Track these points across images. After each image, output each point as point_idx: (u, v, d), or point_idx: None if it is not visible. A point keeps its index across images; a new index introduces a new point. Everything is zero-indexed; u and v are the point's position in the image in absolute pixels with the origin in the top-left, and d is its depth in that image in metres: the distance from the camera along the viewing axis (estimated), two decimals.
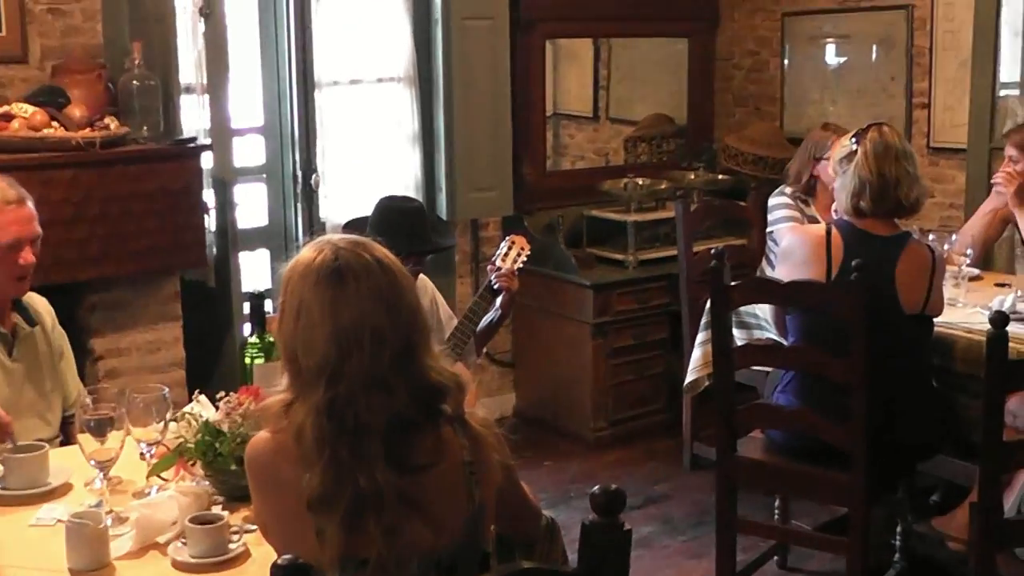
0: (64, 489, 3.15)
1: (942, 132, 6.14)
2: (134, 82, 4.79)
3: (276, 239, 5.97)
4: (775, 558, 4.87)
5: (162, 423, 3.00)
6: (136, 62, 4.81)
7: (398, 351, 2.22)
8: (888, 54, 6.36)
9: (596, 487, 2.12)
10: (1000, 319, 3.30)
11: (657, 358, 6.35)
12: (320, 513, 2.20)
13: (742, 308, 4.95)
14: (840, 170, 4.23)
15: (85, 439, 2.96)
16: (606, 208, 6.50)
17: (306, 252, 2.33)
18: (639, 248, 6.31)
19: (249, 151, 5.88)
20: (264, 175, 5.92)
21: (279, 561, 1.90)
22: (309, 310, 2.24)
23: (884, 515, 4.68)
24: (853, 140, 4.21)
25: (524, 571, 2.08)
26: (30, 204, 3.61)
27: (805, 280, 4.13)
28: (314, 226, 5.77)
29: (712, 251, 4.34)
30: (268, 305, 5.74)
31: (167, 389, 3.14)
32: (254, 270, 5.87)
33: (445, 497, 2.29)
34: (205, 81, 5.25)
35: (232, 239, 5.41)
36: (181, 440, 3.01)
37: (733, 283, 4.25)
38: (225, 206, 5.40)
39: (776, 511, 4.90)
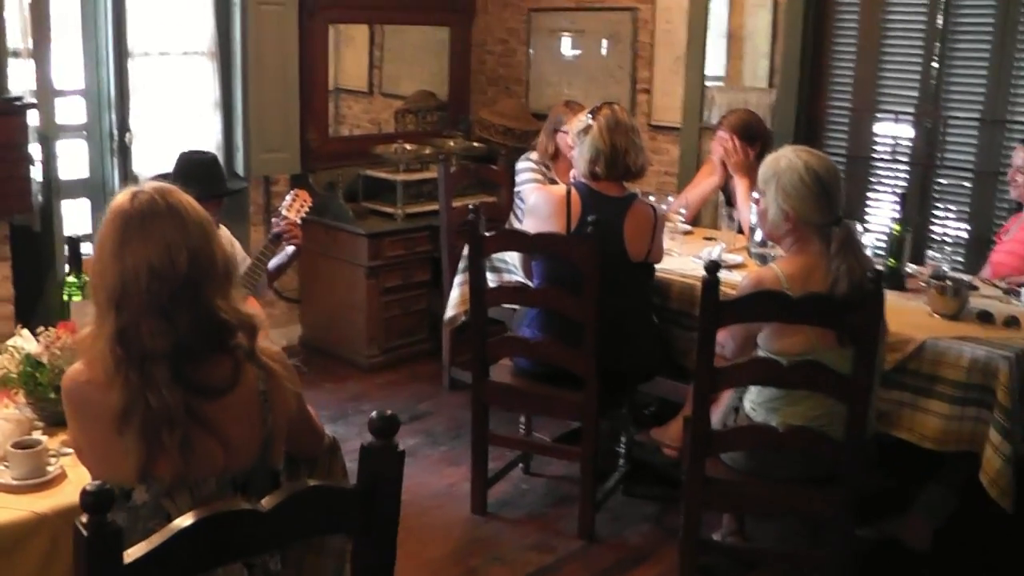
0: None
1: (660, 113, 6.17)
2: None
3: (96, 190, 5.68)
4: (520, 465, 4.83)
5: None
6: None
7: (178, 287, 2.08)
8: (616, 47, 6.34)
9: (374, 412, 1.99)
10: (713, 267, 3.29)
11: (421, 296, 6.23)
12: (121, 429, 2.05)
13: (494, 255, 4.89)
14: (578, 140, 4.19)
15: None
16: (379, 169, 6.32)
17: (117, 197, 2.19)
18: (406, 203, 6.16)
19: (72, 111, 5.55)
20: (85, 133, 5.60)
21: (87, 487, 1.69)
22: (103, 247, 2.12)
23: (611, 427, 4.70)
24: (589, 115, 4.18)
25: (311, 488, 1.92)
26: None
27: (549, 232, 4.08)
28: (128, 179, 5.50)
29: (469, 207, 4.25)
30: (86, 248, 5.46)
31: None
32: (76, 217, 5.57)
33: (240, 421, 2.17)
34: (31, 46, 4.89)
35: (55, 189, 5.07)
36: (4, 371, 2.76)
37: (488, 233, 4.15)
38: (49, 159, 5.07)
39: (521, 425, 4.87)
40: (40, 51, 4.90)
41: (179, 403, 2.06)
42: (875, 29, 5.39)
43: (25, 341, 2.85)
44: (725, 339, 3.55)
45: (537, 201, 4.23)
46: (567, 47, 6.64)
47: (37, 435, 2.60)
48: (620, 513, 4.45)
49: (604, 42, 6.42)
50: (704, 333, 3.33)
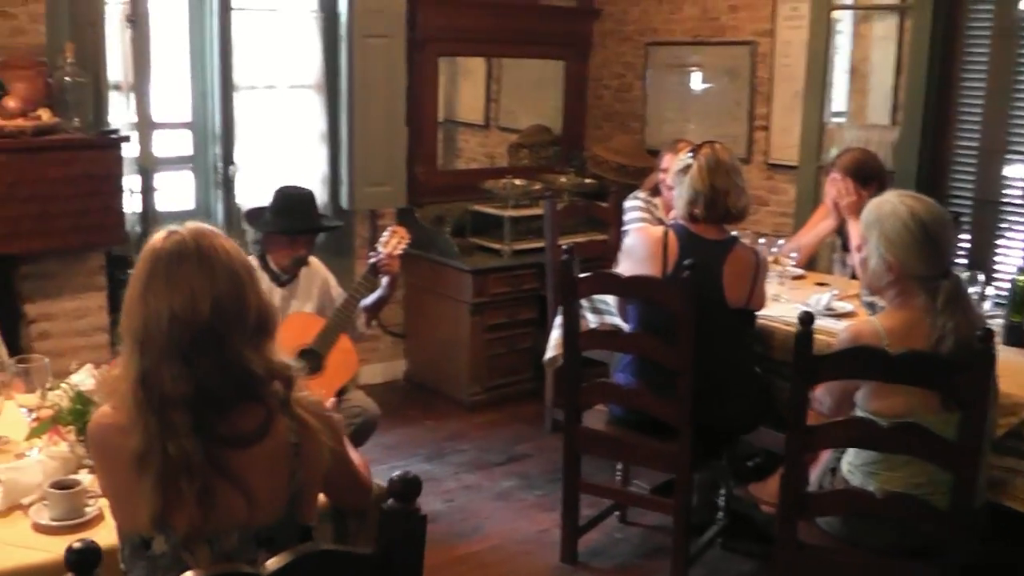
0: None
1: (778, 151, 5.94)
2: (66, 79, 4.53)
3: (201, 221, 5.62)
4: (616, 512, 4.66)
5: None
6: (69, 61, 4.53)
7: (200, 333, 1.99)
8: (734, 82, 6.14)
9: (396, 474, 1.85)
10: (806, 318, 3.07)
11: (526, 335, 6.10)
12: (139, 476, 1.97)
13: (596, 296, 4.74)
14: (677, 181, 4.02)
15: None
16: (487, 204, 6.22)
17: (154, 235, 2.12)
18: (514, 239, 6.05)
19: (178, 143, 5.62)
20: (191, 165, 5.66)
21: (72, 545, 1.60)
22: (132, 286, 2.05)
23: (711, 479, 4.49)
24: (689, 155, 4.01)
25: (319, 553, 1.80)
26: None
27: (643, 275, 3.91)
28: (232, 211, 5.53)
29: (563, 247, 4.11)
30: None
31: (47, 360, 2.86)
32: None
33: (266, 474, 2.06)
34: (131, 80, 4.93)
35: (152, 220, 5.10)
36: (56, 407, 2.72)
37: (581, 275, 4.00)
38: (147, 191, 5.12)
39: (618, 472, 4.69)
40: (140, 84, 4.97)
41: (198, 452, 1.96)
42: (1007, 63, 5.07)
43: (84, 376, 2.81)
44: (823, 395, 3.32)
45: (633, 242, 4.07)
46: (684, 82, 6.46)
47: (83, 474, 2.54)
48: (716, 568, 4.24)
49: (722, 77, 6.22)
50: (796, 389, 3.11)
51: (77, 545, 1.62)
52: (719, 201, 3.91)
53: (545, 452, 5.36)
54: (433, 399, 6.18)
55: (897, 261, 3.12)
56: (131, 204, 4.91)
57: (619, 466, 4.67)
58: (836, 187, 4.76)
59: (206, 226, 2.12)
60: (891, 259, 3.13)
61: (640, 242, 4.03)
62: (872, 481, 3.16)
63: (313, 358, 4.30)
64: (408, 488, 1.85)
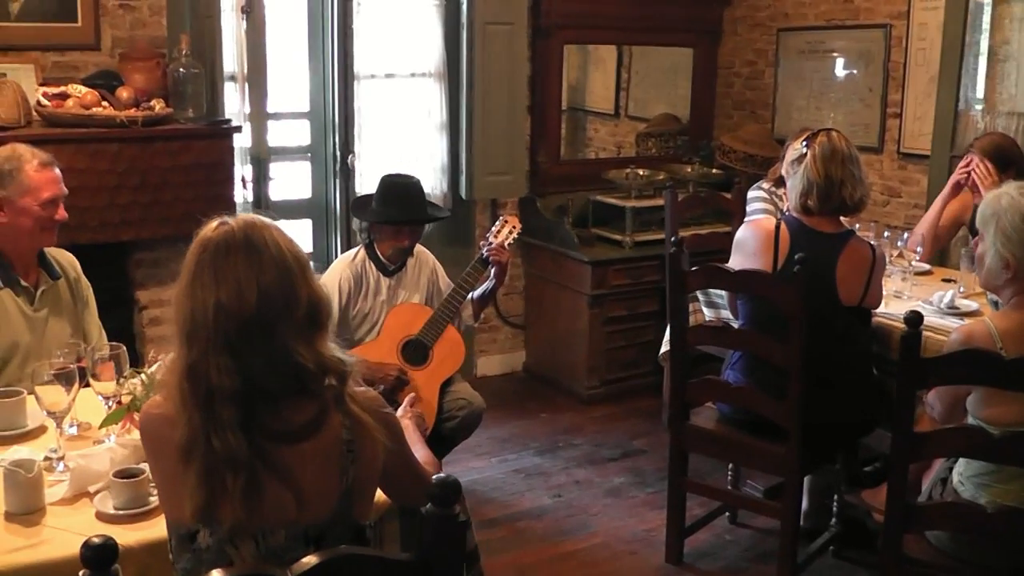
0: (38, 432, 2.89)
1: (911, 139, 5.64)
2: (181, 70, 4.56)
3: (318, 210, 5.75)
4: (727, 514, 4.50)
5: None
6: (184, 52, 4.57)
7: (247, 326, 1.93)
8: (867, 67, 5.87)
9: (437, 475, 1.75)
10: (914, 318, 2.88)
11: (647, 328, 5.95)
12: (184, 467, 1.93)
13: (712, 289, 4.59)
14: (792, 171, 3.83)
15: (43, 390, 2.67)
16: (610, 194, 6.10)
17: (206, 225, 2.07)
18: (636, 231, 5.92)
19: (297, 133, 5.66)
20: (309, 154, 5.69)
21: (89, 541, 1.57)
22: (182, 277, 2.01)
23: (825, 483, 4.29)
24: (804, 144, 3.81)
25: (348, 556, 1.72)
26: (57, 168, 3.40)
27: (752, 270, 3.75)
28: (350, 200, 5.47)
29: (673, 239, 3.97)
30: None
31: (123, 347, 2.87)
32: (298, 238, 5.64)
33: (316, 471, 2.00)
34: (246, 71, 4.96)
35: (265, 208, 5.13)
36: (131, 395, 2.72)
37: (692, 269, 3.86)
38: (260, 180, 5.14)
39: (729, 472, 4.52)
40: (254, 75, 4.98)
41: (244, 447, 1.91)
42: None
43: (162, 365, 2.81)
44: (934, 400, 3.12)
45: (744, 235, 3.90)
46: (816, 68, 6.20)
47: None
48: None
49: (855, 62, 5.95)
50: (902, 393, 2.92)
51: (95, 540, 1.57)
52: (834, 192, 3.71)
53: (660, 449, 5.16)
54: (550, 392, 6.09)
55: (1015, 258, 2.90)
56: (244, 193, 4.93)
57: (731, 466, 4.50)
58: (975, 170, 4.47)
59: (257, 217, 2.07)
60: (1008, 256, 2.91)
61: (751, 235, 3.86)
62: (983, 494, 2.95)
63: (419, 348, 4.27)
64: (447, 492, 1.76)
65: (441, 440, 4.30)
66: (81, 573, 1.58)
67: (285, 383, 1.98)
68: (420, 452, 2.55)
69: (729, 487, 4.48)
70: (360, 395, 2.10)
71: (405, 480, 2.24)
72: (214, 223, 2.05)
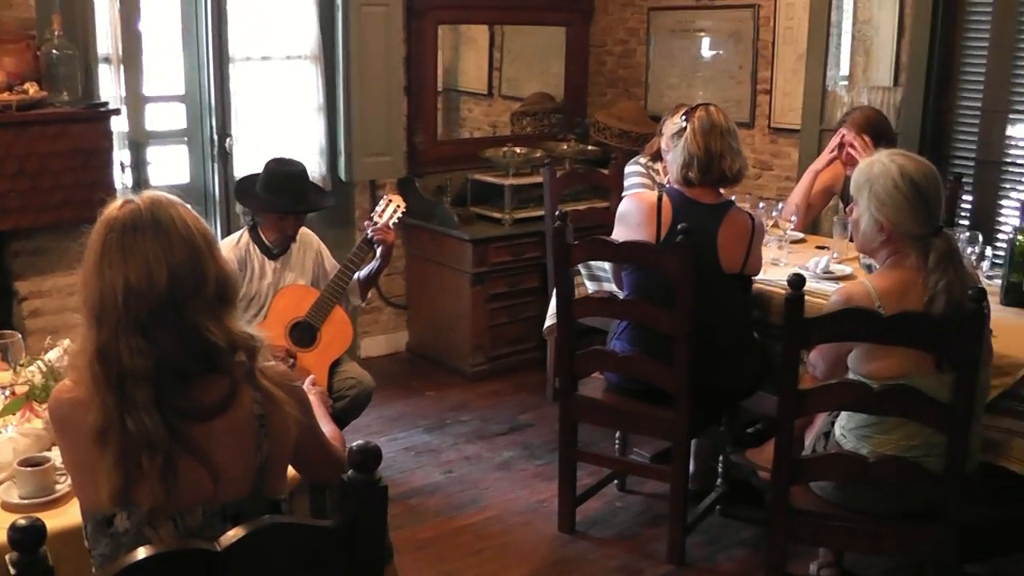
0: None
1: (781, 114, 5.86)
2: (54, 51, 4.45)
3: (197, 195, 5.64)
4: (615, 481, 4.61)
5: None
6: (56, 34, 4.46)
7: (157, 305, 1.94)
8: (737, 46, 6.06)
9: (355, 444, 1.80)
10: (797, 281, 3.02)
11: (529, 303, 6.04)
12: (99, 450, 1.93)
13: (593, 263, 4.70)
14: (672, 144, 3.95)
15: None
16: (488, 173, 6.17)
17: (109, 205, 2.06)
18: (515, 208, 6.00)
19: (173, 116, 5.56)
20: (186, 138, 5.59)
21: (15, 523, 1.57)
22: (87, 258, 1.99)
23: (710, 446, 4.44)
24: (683, 118, 3.94)
25: (274, 525, 1.76)
26: None
27: (637, 241, 3.85)
28: (229, 184, 5.44)
29: (556, 213, 4.05)
30: None
31: (19, 335, 2.82)
32: None
33: (231, 447, 2.01)
34: (121, 53, 4.86)
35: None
36: (29, 383, 2.68)
37: (575, 242, 3.95)
38: (139, 165, 5.07)
39: (617, 441, 4.64)
40: (130, 58, 4.89)
41: (159, 427, 1.92)
42: (1010, 22, 4.97)
43: (59, 353, 2.78)
44: (816, 359, 3.27)
45: (627, 208, 4.00)
46: (687, 47, 6.37)
47: (55, 452, 2.50)
48: (716, 536, 4.20)
49: (725, 41, 6.14)
50: (788, 353, 3.07)
51: (21, 522, 1.57)
52: (714, 164, 3.84)
53: (547, 422, 5.30)
54: (436, 370, 6.14)
55: (888, 221, 3.06)
56: (123, 178, 4.84)
57: (617, 434, 4.61)
58: (852, 144, 4.66)
59: (162, 194, 2.07)
60: (882, 219, 3.07)
61: (633, 207, 3.97)
62: (865, 444, 3.12)
63: (307, 330, 4.27)
64: (368, 458, 1.80)
65: (333, 421, 4.31)
66: (9, 556, 1.57)
67: (196, 361, 1.98)
68: (327, 427, 2.57)
69: (617, 455, 4.60)
70: (270, 370, 2.12)
71: (315, 455, 2.27)
72: (119, 201, 2.04)
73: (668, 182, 4.05)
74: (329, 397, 4.14)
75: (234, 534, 1.71)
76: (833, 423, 3.29)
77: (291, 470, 2.27)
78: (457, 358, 6.06)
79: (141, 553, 1.66)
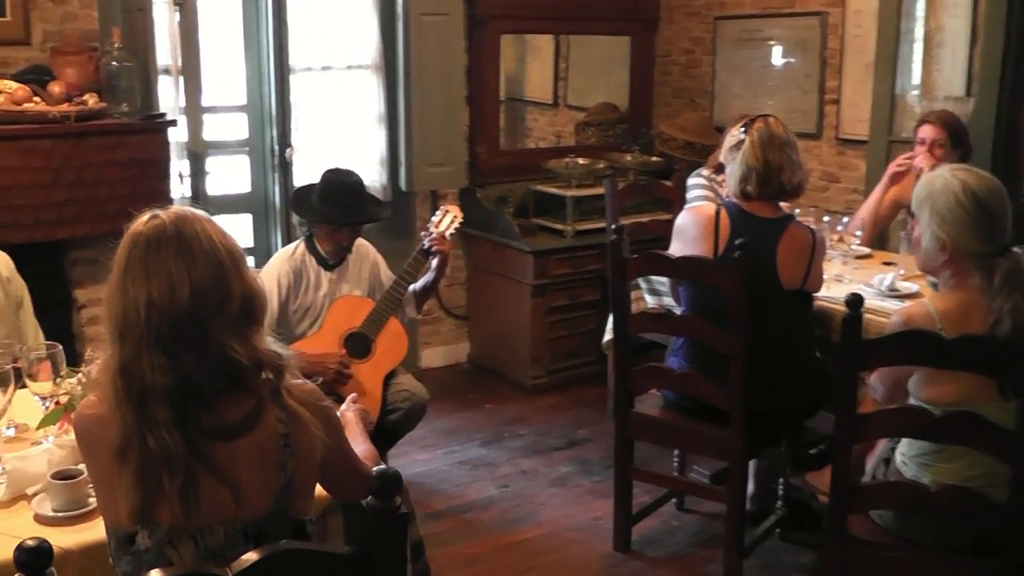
0: None
1: (848, 125, 5.69)
2: (114, 63, 4.46)
3: (258, 205, 5.68)
4: (673, 500, 4.51)
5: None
6: (116, 46, 4.47)
7: (179, 321, 1.89)
8: (804, 55, 5.91)
9: (378, 467, 1.74)
10: (854, 301, 2.89)
11: (590, 316, 5.95)
12: (119, 467, 1.89)
13: (654, 277, 4.59)
14: (730, 157, 3.84)
15: None
16: (551, 184, 6.09)
17: (137, 219, 2.02)
18: (576, 220, 5.92)
19: (234, 126, 5.59)
20: (247, 148, 5.62)
21: (23, 544, 1.52)
22: (112, 272, 1.96)
23: (770, 467, 4.31)
24: (742, 130, 3.81)
25: (287, 552, 1.70)
26: None
27: (692, 256, 3.74)
28: (289, 194, 5.42)
29: (613, 227, 3.97)
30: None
31: (60, 347, 2.80)
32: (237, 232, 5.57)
33: (253, 467, 1.96)
34: (180, 64, 4.87)
35: (202, 204, 5.05)
36: (68, 395, 2.65)
37: (632, 256, 3.86)
38: (197, 174, 5.06)
39: (675, 459, 4.53)
40: (189, 69, 4.90)
41: (180, 446, 1.87)
42: None
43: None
44: (876, 382, 3.14)
45: (684, 222, 3.90)
46: (753, 56, 6.23)
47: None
48: (772, 559, 4.07)
49: (791, 50, 5.99)
50: (844, 375, 2.94)
51: (28, 543, 1.53)
52: (772, 177, 3.72)
53: (605, 437, 5.18)
54: (495, 382, 6.07)
55: (950, 238, 2.92)
56: (181, 188, 4.85)
57: (676, 452, 4.51)
58: (928, 142, 4.51)
59: (190, 209, 2.02)
60: (944, 236, 2.93)
61: (691, 221, 3.86)
62: (925, 473, 2.97)
63: (362, 341, 4.23)
64: (386, 484, 1.73)
65: (385, 433, 4.27)
66: None
67: (219, 379, 1.94)
68: (362, 447, 2.52)
69: (675, 473, 4.49)
70: (297, 388, 2.06)
71: (343, 475, 2.21)
72: (145, 216, 2.00)
73: (727, 195, 3.94)
74: (373, 412, 4.11)
75: (247, 559, 1.66)
76: (893, 449, 3.15)
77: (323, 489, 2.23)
78: (516, 371, 5.98)
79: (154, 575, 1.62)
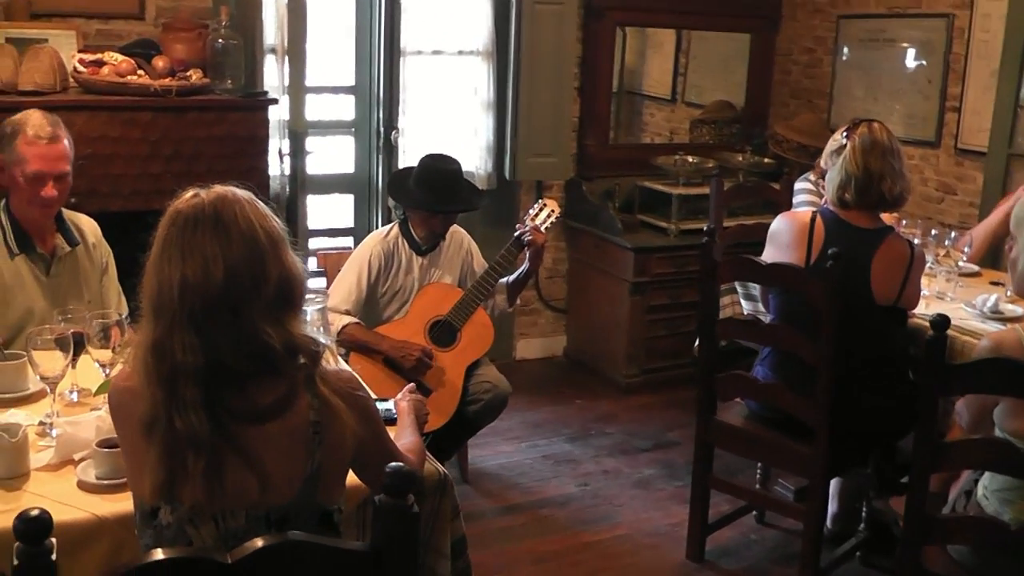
0: (39, 396, 2.83)
1: (969, 135, 5.40)
2: (219, 41, 4.45)
3: (361, 186, 5.67)
4: (754, 512, 4.35)
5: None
6: (224, 24, 4.48)
7: (212, 303, 1.85)
8: (928, 58, 5.63)
9: (392, 465, 1.66)
10: (941, 323, 2.71)
11: (689, 318, 5.77)
12: (147, 443, 1.87)
13: (750, 282, 4.43)
14: (830, 163, 3.67)
15: (38, 356, 2.63)
16: (658, 180, 5.94)
17: (181, 195, 1.99)
18: (682, 218, 5.76)
19: (341, 107, 5.60)
20: (353, 129, 5.61)
21: (22, 514, 1.50)
22: (153, 249, 1.93)
23: (856, 487, 4.12)
24: (844, 135, 3.63)
25: (290, 543, 1.64)
26: (65, 143, 3.31)
27: (784, 263, 3.58)
28: None
29: (706, 228, 3.82)
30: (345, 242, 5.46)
31: (124, 313, 2.81)
32: (338, 213, 5.69)
33: (282, 452, 1.92)
34: (286, 44, 4.86)
35: (301, 183, 5.04)
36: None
37: (724, 260, 3.72)
38: (297, 154, 5.02)
39: (759, 470, 4.37)
40: (294, 48, 4.87)
41: (206, 428, 1.84)
42: None
43: None
44: (961, 408, 2.96)
45: (778, 227, 3.73)
46: (875, 57, 5.97)
47: None
48: None
49: (915, 53, 5.72)
50: (925, 400, 2.76)
51: (30, 513, 1.50)
52: (872, 186, 3.53)
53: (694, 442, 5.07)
54: (589, 378, 5.96)
55: None
56: (282, 167, 4.85)
57: (759, 464, 4.35)
58: None
59: (231, 189, 1.97)
60: None
61: (785, 227, 3.70)
62: (1008, 510, 2.78)
63: (447, 330, 4.18)
64: (399, 482, 1.66)
65: (465, 423, 4.22)
66: (15, 546, 1.51)
67: (252, 362, 1.89)
68: (408, 438, 2.46)
69: (758, 486, 4.33)
70: (332, 376, 2.01)
71: (379, 467, 2.14)
72: (188, 194, 1.97)
73: (825, 202, 3.76)
74: (454, 402, 4.06)
75: (248, 547, 1.61)
76: (976, 481, 2.96)
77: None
78: (611, 368, 5.87)
79: (151, 557, 1.59)
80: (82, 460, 2.41)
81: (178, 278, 1.86)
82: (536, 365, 6.11)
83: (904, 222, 4.44)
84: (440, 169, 4.21)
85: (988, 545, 2.79)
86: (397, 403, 2.69)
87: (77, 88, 4.25)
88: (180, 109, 4.26)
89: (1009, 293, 3.98)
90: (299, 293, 1.98)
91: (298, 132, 4.96)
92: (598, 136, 6.03)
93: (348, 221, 5.62)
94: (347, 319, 4.07)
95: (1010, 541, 2.70)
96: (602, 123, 6.07)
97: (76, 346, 2.69)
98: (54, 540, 1.53)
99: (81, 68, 4.21)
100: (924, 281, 3.80)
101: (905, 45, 5.78)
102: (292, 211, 4.93)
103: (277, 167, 4.79)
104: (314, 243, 5.36)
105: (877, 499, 3.98)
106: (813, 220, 3.61)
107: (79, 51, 4.38)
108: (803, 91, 6.44)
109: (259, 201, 2.00)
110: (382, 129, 5.47)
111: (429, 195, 4.16)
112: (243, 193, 1.99)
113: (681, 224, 5.74)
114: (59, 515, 2.12)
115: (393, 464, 1.69)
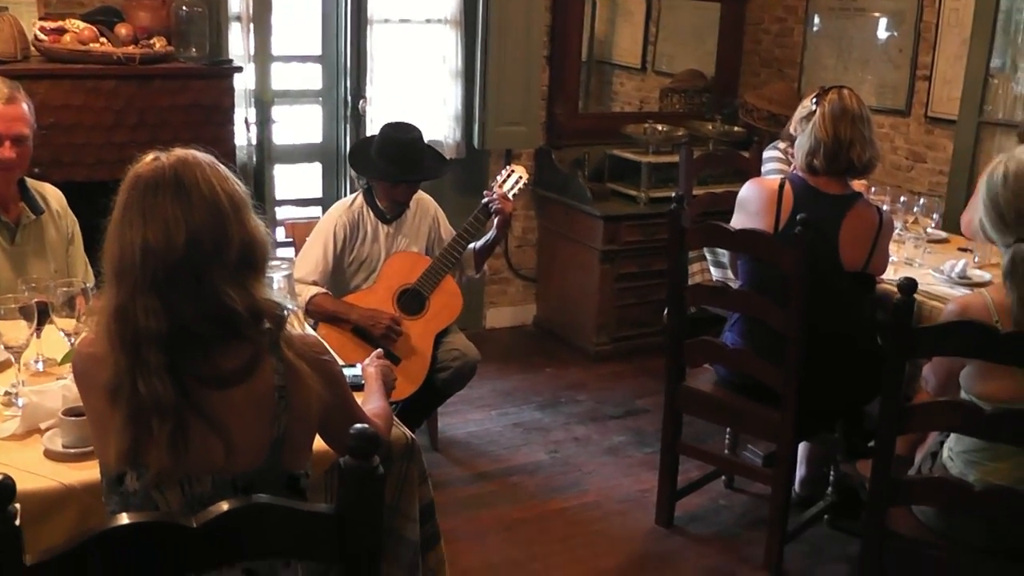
0: (4, 366, 2.78)
1: (939, 104, 5.42)
2: (184, 8, 4.40)
3: (328, 155, 5.64)
4: (723, 478, 4.38)
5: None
6: None
7: (174, 267, 1.83)
8: (899, 27, 5.64)
9: (354, 428, 1.65)
10: (908, 286, 2.72)
11: (659, 286, 5.68)
12: (112, 409, 1.86)
13: (719, 249, 4.44)
14: (800, 129, 3.66)
15: (3, 325, 2.59)
16: (627, 149, 5.93)
17: (142, 158, 1.97)
18: (651, 187, 5.75)
19: (308, 76, 5.55)
20: (320, 98, 5.56)
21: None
22: (113, 213, 1.91)
23: (824, 452, 4.15)
24: (814, 101, 3.63)
25: (255, 506, 1.63)
26: (24, 106, 3.27)
27: (752, 229, 3.58)
28: None
29: (672, 195, 3.82)
30: (313, 211, 5.42)
31: (91, 283, 2.77)
32: (307, 182, 5.65)
33: (247, 417, 1.91)
34: (251, 11, 4.80)
35: (268, 152, 4.99)
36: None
37: (691, 227, 3.71)
38: (264, 123, 4.97)
39: (727, 436, 4.39)
40: (259, 16, 4.80)
41: (170, 392, 1.82)
42: None
43: None
44: (928, 373, 2.97)
45: (747, 194, 3.73)
46: (846, 27, 5.97)
47: None
48: (818, 547, 3.93)
49: (885, 22, 5.72)
50: (891, 363, 2.77)
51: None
52: (842, 153, 3.52)
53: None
54: (558, 347, 5.96)
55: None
56: (248, 135, 4.80)
57: (728, 430, 4.37)
58: None
59: (192, 152, 1.95)
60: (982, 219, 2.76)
61: (753, 194, 3.70)
62: (972, 471, 2.81)
63: (415, 298, 4.16)
64: (364, 444, 1.65)
65: (434, 391, 4.22)
66: None
67: (216, 327, 1.88)
68: (375, 403, 2.45)
69: (726, 451, 4.35)
70: (298, 340, 2.00)
71: (344, 431, 2.13)
72: (148, 157, 1.95)
73: (793, 169, 3.76)
74: (424, 369, 4.05)
75: (213, 510, 1.60)
76: (942, 443, 2.98)
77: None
78: (580, 336, 5.87)
79: (114, 522, 1.57)
80: (48, 429, 2.39)
81: (140, 242, 1.84)
82: (506, 334, 6.11)
83: (874, 189, 4.45)
84: (400, 139, 4.18)
85: (953, 506, 2.81)
86: (364, 369, 2.68)
87: (39, 56, 4.20)
88: (144, 77, 4.22)
89: (977, 259, 4.01)
90: (262, 256, 1.97)
91: (264, 101, 4.90)
92: (567, 105, 6.01)
93: (316, 191, 5.58)
94: (315, 289, 4.05)
95: (975, 502, 2.72)
96: (571, 92, 6.04)
97: (41, 315, 2.67)
98: (18, 506, 1.51)
99: (42, 36, 4.16)
100: (892, 247, 3.81)
101: (876, 14, 5.78)
102: (259, 181, 4.88)
103: (244, 136, 4.74)
104: (282, 213, 5.32)
105: (844, 463, 4.01)
106: (782, 187, 3.61)
107: (40, 19, 4.32)
108: (774, 60, 6.44)
109: (220, 164, 1.98)
110: (349, 98, 5.43)
111: (390, 166, 4.13)
112: (204, 156, 1.97)
113: (651, 192, 5.73)
114: (26, 484, 2.13)
115: (357, 426, 1.67)
